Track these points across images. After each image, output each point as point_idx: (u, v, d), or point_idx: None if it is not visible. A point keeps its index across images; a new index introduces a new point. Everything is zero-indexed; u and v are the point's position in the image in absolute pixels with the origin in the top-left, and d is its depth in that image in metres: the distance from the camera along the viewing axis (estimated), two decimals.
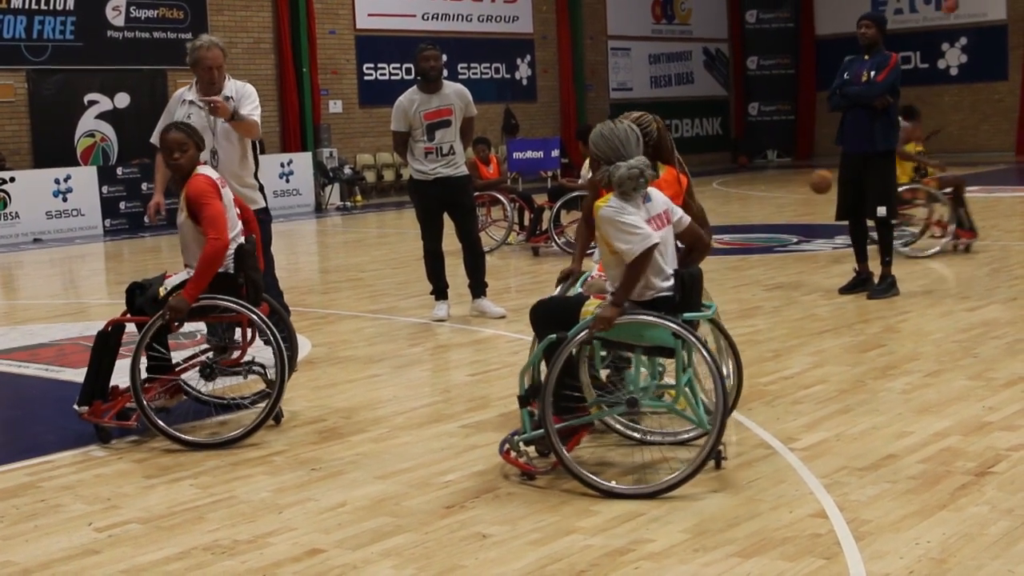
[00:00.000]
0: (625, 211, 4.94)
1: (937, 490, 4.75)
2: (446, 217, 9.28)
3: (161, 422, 5.89)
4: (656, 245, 4.93)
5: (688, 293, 5.06)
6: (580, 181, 14.06)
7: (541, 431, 5.04)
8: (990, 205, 16.86)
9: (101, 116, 20.76)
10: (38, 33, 19.83)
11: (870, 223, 9.67)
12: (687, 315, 5.03)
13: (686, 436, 5.48)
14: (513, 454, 5.18)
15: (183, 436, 5.90)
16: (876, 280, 9.60)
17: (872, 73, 9.31)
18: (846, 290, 9.70)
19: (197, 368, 6.14)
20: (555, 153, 17.30)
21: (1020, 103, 29.24)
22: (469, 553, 4.28)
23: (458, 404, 6.64)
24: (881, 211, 9.40)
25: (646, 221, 4.98)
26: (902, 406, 6.10)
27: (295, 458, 5.62)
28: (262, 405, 6.09)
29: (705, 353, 4.88)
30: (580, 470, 4.93)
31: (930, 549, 4.13)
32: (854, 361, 7.24)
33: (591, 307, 5.07)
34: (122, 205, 19.57)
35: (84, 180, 19.17)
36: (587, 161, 14.09)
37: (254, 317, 5.96)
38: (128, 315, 6.21)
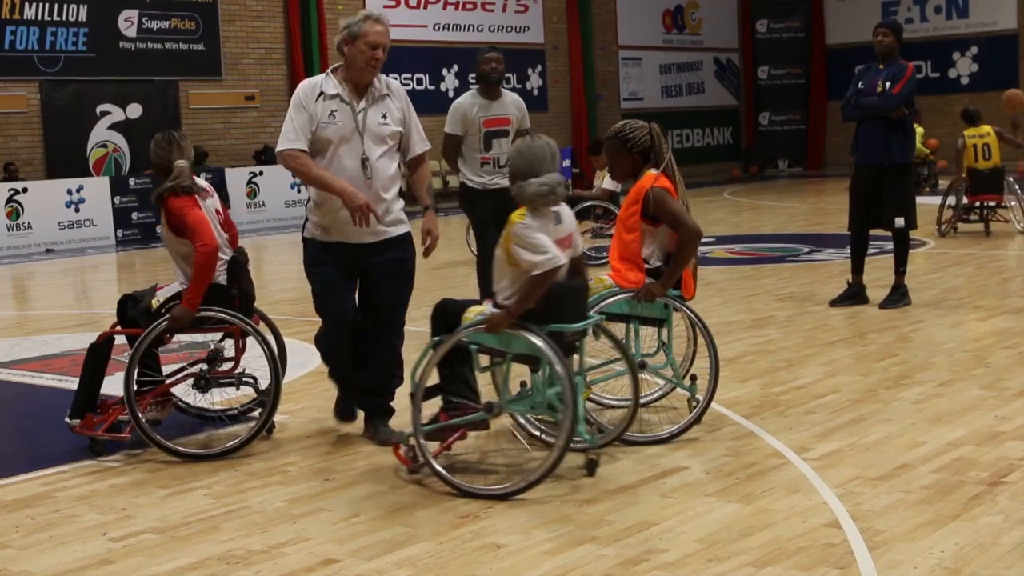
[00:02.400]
0: (536, 229, 5.13)
1: (950, 500, 4.76)
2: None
3: (157, 434, 5.89)
4: (561, 267, 5.11)
5: (554, 305, 5.16)
6: (593, 191, 14.10)
7: (432, 425, 5.31)
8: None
9: (113, 127, 20.83)
10: (51, 44, 19.91)
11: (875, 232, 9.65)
12: (552, 326, 5.15)
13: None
14: (403, 449, 5.39)
15: (177, 448, 5.90)
16: (890, 289, 9.58)
17: (887, 84, 9.18)
18: (837, 302, 9.61)
19: (190, 380, 6.12)
20: (566, 163, 17.33)
21: None
22: (483, 563, 4.28)
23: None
24: (899, 222, 9.33)
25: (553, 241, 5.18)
26: (915, 416, 6.10)
27: (308, 468, 5.64)
28: (254, 415, 6.11)
29: (560, 368, 5.00)
30: (440, 469, 5.16)
31: (944, 559, 4.13)
32: (866, 371, 7.23)
33: (471, 312, 5.30)
34: (134, 216, 19.62)
35: (96, 191, 19.23)
36: (599, 171, 14.12)
37: (247, 328, 5.98)
38: (119, 327, 6.22)
